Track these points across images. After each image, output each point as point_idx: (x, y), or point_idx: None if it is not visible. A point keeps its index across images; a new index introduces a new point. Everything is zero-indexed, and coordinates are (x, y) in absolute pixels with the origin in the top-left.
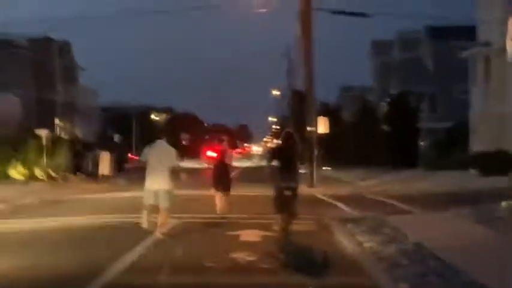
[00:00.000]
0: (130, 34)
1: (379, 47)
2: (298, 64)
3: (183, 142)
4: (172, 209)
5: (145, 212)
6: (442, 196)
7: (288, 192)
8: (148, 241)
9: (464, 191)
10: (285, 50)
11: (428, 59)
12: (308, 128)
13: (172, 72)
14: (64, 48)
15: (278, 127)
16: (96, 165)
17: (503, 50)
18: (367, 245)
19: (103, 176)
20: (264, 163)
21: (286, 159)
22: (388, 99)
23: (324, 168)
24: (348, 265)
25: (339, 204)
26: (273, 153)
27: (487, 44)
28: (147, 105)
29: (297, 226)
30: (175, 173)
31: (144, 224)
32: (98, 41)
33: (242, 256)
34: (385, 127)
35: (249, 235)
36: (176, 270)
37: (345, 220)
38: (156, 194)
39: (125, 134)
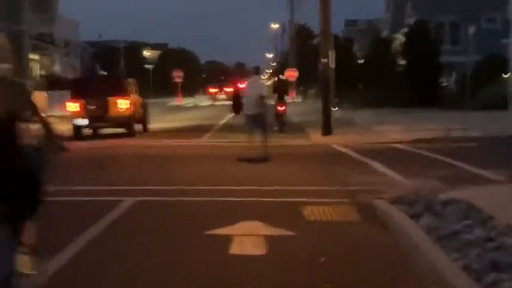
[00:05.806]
0: None
1: None
2: None
3: (176, 79)
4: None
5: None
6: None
7: (281, 110)
8: None
9: None
10: None
11: None
12: (322, 60)
13: (168, 7)
14: None
15: (275, 64)
16: None
17: None
18: None
19: None
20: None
21: (279, 96)
22: (405, 30)
23: (332, 109)
24: None
25: (373, 164)
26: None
27: None
28: (137, 41)
29: (331, 211)
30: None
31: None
32: None
33: None
34: (401, 62)
35: (247, 238)
36: None
37: (407, 203)
38: (252, 117)
39: (112, 71)
